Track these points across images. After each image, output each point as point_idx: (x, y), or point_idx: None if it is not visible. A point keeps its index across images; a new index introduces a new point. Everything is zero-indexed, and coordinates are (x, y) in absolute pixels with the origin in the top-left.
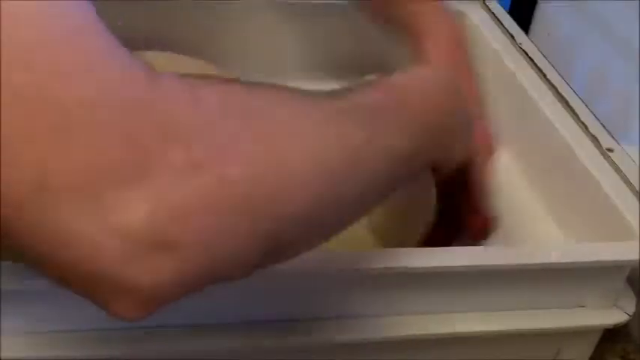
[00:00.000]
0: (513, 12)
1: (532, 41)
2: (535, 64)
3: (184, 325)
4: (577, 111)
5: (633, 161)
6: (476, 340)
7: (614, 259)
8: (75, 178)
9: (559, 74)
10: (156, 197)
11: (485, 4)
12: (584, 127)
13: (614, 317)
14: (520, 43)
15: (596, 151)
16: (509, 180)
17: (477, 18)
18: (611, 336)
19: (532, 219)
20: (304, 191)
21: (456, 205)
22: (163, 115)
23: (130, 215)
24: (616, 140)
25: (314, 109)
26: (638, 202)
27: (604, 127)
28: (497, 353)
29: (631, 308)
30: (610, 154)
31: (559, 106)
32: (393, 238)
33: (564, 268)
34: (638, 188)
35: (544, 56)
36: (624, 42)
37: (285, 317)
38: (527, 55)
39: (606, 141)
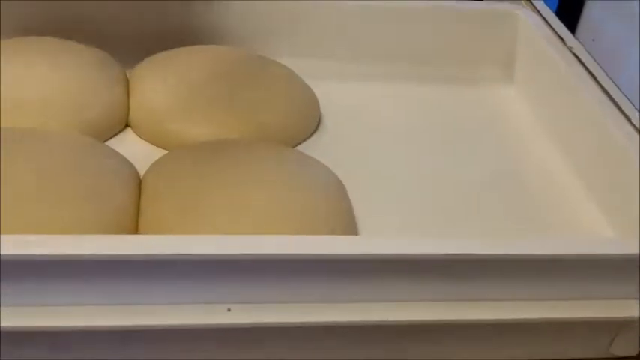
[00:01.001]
0: (560, 14)
1: (580, 43)
2: (585, 67)
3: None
4: (627, 113)
5: None
6: (532, 326)
7: None
8: None
9: (607, 75)
10: None
11: (534, 5)
12: (634, 126)
13: None
14: (571, 47)
15: None
16: (558, 175)
17: (529, 20)
18: None
19: (584, 212)
20: None
21: None
22: None
23: None
24: None
25: None
26: None
27: None
28: (557, 341)
29: None
30: None
31: (609, 105)
32: None
33: (605, 259)
34: None
35: (593, 58)
36: None
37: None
38: (577, 57)
39: None
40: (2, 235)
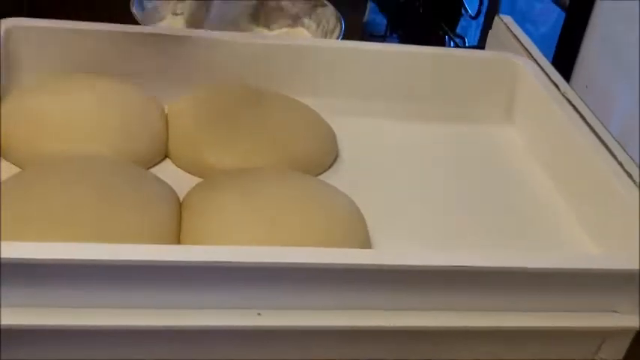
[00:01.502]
0: (556, 63)
1: (573, 89)
2: (577, 110)
3: None
4: (613, 151)
5: None
6: (522, 335)
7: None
8: None
9: (597, 118)
10: None
11: (532, 54)
12: (620, 164)
13: None
14: (565, 93)
15: (630, 182)
16: (552, 203)
17: (527, 67)
18: None
19: (569, 236)
20: None
21: None
22: None
23: None
24: None
25: None
26: None
27: (636, 164)
28: (547, 349)
29: None
30: None
31: (598, 144)
32: None
33: (593, 274)
34: None
35: (584, 103)
36: None
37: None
38: (570, 102)
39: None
40: (75, 243)
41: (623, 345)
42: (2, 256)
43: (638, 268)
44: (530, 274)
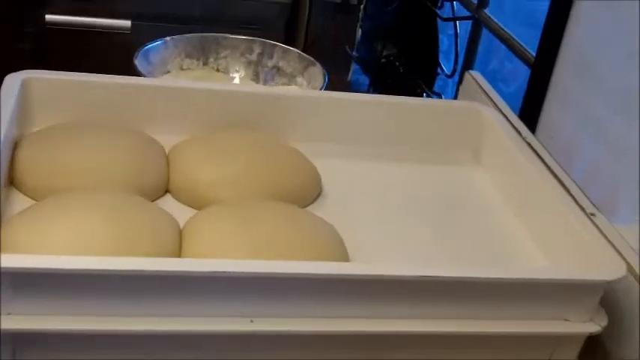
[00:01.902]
0: (522, 115)
1: (535, 137)
2: (536, 152)
3: None
4: (568, 186)
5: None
6: (481, 341)
7: (589, 278)
8: None
9: (553, 158)
10: None
11: (497, 107)
12: (573, 198)
13: (591, 328)
14: (525, 137)
15: (580, 212)
16: (513, 229)
17: (492, 115)
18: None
19: (527, 255)
20: None
21: None
22: None
23: None
24: (598, 209)
25: None
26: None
27: (587, 198)
28: (504, 353)
29: (603, 322)
30: (592, 217)
31: (552, 180)
32: None
33: (547, 284)
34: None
35: (544, 147)
36: (617, 142)
37: None
38: (530, 146)
39: (589, 208)
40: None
41: (574, 353)
42: (20, 266)
43: (586, 278)
44: (489, 283)
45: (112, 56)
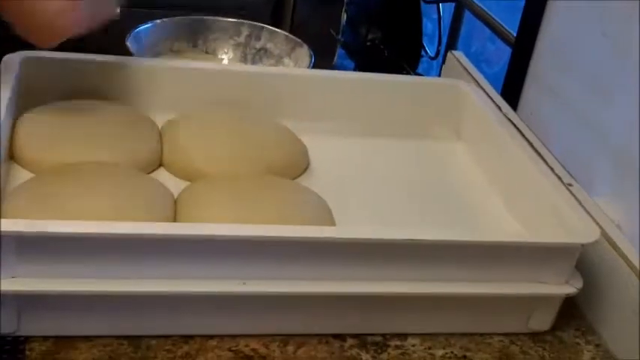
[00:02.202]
0: (504, 94)
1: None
2: (516, 127)
3: None
4: (546, 159)
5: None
6: (461, 303)
7: (565, 241)
8: None
9: (532, 131)
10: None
11: (479, 85)
12: (550, 168)
13: (567, 290)
14: (506, 113)
15: (557, 181)
16: (491, 198)
17: (472, 91)
18: (569, 314)
19: (503, 221)
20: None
21: None
22: None
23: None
24: (575, 180)
25: None
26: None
27: (565, 170)
28: (482, 320)
29: (579, 284)
30: (570, 187)
31: (530, 151)
32: None
33: (526, 247)
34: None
35: (523, 122)
36: (591, 120)
37: None
38: (511, 122)
39: (567, 179)
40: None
41: (551, 315)
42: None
43: (562, 241)
44: (468, 246)
45: (102, 41)
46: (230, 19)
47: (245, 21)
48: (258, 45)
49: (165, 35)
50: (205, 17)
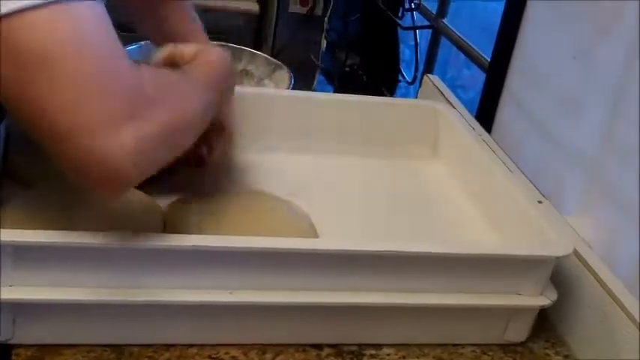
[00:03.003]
0: (478, 118)
1: (488, 134)
2: (489, 146)
3: None
4: (520, 180)
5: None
6: (438, 314)
7: (541, 254)
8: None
9: (503, 151)
10: (132, 132)
11: (454, 107)
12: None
13: (542, 301)
14: (480, 134)
15: (532, 199)
16: (468, 212)
17: (448, 113)
18: (540, 326)
19: (480, 233)
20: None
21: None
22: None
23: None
24: (546, 197)
25: (189, 83)
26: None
27: (536, 188)
28: (459, 331)
29: (553, 297)
30: (540, 204)
31: (502, 166)
32: None
33: (503, 259)
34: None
35: (495, 142)
36: (561, 140)
37: None
38: (483, 140)
39: (538, 197)
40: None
41: (527, 326)
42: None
43: (538, 254)
44: (447, 258)
45: None
46: (212, 42)
47: (226, 43)
48: (240, 66)
49: (149, 57)
50: None
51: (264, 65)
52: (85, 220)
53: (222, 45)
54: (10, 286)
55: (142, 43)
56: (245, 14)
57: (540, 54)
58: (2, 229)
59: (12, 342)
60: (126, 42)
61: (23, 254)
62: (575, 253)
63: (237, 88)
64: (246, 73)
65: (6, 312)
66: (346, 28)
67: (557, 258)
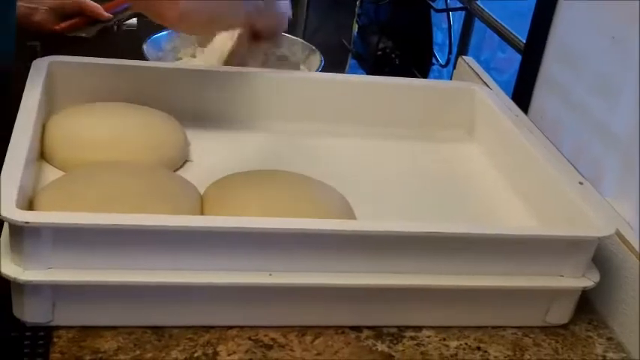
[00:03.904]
0: (515, 98)
1: (526, 115)
2: (526, 128)
3: None
4: (560, 162)
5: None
6: (480, 296)
7: (583, 234)
8: None
9: (541, 132)
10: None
11: (488, 85)
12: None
13: (584, 283)
14: (517, 115)
15: (572, 180)
16: (505, 195)
17: (484, 94)
18: (582, 308)
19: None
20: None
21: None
22: None
23: None
24: (585, 178)
25: None
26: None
27: (576, 169)
28: (500, 313)
29: (596, 278)
30: (581, 185)
31: (541, 146)
32: None
33: (545, 240)
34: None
35: (532, 122)
36: (600, 123)
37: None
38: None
39: (578, 178)
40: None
41: (569, 308)
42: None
43: (580, 234)
44: (489, 240)
45: (122, 51)
46: None
47: None
48: (278, 52)
49: (188, 42)
50: None
51: (300, 51)
52: (122, 202)
53: None
54: (49, 268)
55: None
56: None
57: (577, 34)
58: (41, 212)
59: (52, 324)
60: (155, 28)
61: (62, 237)
62: (617, 233)
63: (274, 72)
64: (285, 59)
65: (45, 295)
66: (378, 11)
67: (599, 239)
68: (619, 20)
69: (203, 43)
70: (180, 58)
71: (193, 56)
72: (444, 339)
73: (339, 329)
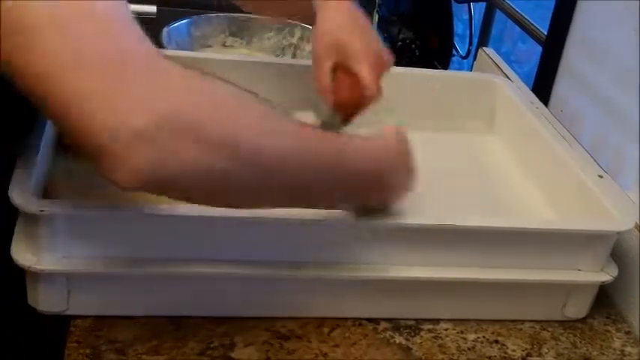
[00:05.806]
0: (535, 90)
1: (546, 107)
2: (547, 120)
3: None
4: (580, 154)
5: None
6: (502, 287)
7: (601, 229)
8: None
9: (562, 125)
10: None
11: (511, 80)
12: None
13: (603, 277)
14: (537, 107)
15: (592, 173)
16: (525, 188)
17: (505, 85)
18: (600, 302)
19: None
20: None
21: None
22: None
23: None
24: (605, 171)
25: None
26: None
27: (596, 162)
28: (521, 302)
29: (614, 272)
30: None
31: (562, 139)
32: None
33: (563, 234)
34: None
35: (552, 115)
36: (621, 115)
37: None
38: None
39: (598, 171)
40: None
41: (587, 302)
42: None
43: (598, 229)
44: (505, 232)
45: None
46: (286, 22)
47: (298, 23)
48: (308, 47)
49: (219, 29)
50: (262, 17)
51: None
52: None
53: (295, 25)
54: (64, 257)
55: (212, 15)
56: None
57: (599, 26)
58: (57, 201)
59: (68, 313)
60: (176, 17)
61: (76, 225)
62: (637, 227)
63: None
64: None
65: (60, 283)
66: (398, 2)
67: (618, 233)
68: None
69: None
70: (210, 46)
71: (224, 45)
72: (462, 332)
73: (357, 321)
